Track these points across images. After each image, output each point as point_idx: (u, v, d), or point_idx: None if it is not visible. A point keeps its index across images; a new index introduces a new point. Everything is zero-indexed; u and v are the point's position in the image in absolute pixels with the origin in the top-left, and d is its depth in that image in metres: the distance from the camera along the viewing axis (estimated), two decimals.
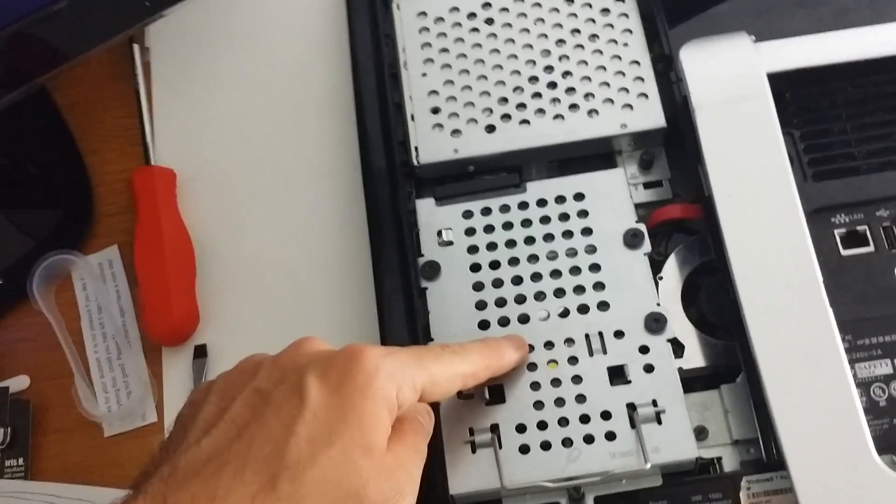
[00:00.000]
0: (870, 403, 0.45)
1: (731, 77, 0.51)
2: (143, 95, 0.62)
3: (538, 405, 0.46)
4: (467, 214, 0.52)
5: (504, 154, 0.53)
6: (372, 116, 0.56)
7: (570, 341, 0.48)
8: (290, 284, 0.57)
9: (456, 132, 0.54)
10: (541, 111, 0.54)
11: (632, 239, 0.50)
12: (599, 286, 0.49)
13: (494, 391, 0.47)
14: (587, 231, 0.51)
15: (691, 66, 0.52)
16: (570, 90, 0.54)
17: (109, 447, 0.55)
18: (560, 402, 0.46)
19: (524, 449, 0.45)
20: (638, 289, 0.49)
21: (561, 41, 0.56)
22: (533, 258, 0.50)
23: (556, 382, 0.47)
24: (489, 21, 0.57)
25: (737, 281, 0.47)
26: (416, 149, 0.54)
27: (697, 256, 0.51)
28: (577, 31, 0.56)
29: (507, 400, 0.47)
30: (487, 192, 0.53)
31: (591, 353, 0.48)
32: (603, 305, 0.49)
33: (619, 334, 0.48)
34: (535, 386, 0.47)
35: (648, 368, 0.47)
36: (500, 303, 0.49)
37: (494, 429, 0.46)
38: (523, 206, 0.52)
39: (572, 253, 0.50)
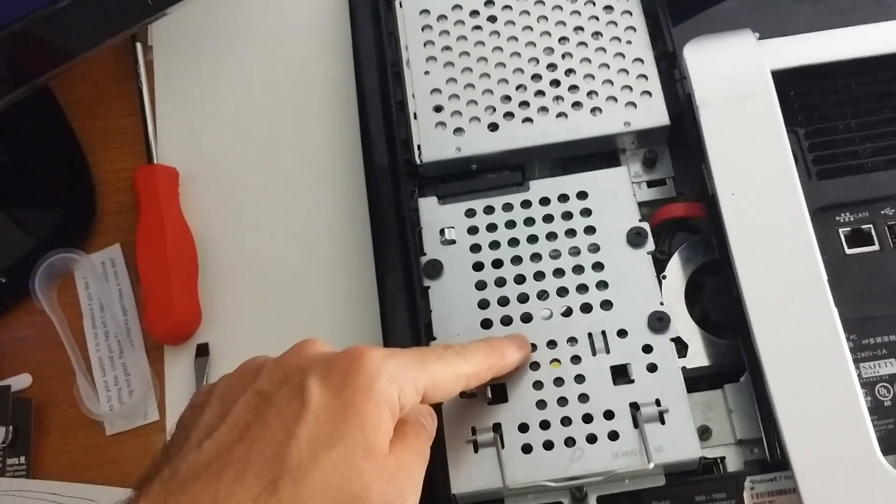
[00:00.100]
0: (874, 403, 0.45)
1: (735, 75, 0.51)
2: (145, 94, 0.62)
3: (541, 404, 0.46)
4: (470, 213, 0.52)
5: (507, 152, 0.53)
6: (374, 115, 0.56)
7: (573, 340, 0.48)
8: (292, 283, 0.57)
9: (459, 130, 0.54)
10: (544, 109, 0.54)
11: (635, 237, 0.50)
12: (602, 285, 0.49)
13: (497, 390, 0.47)
14: (590, 230, 0.51)
15: (695, 63, 0.51)
16: (573, 88, 0.54)
17: (111, 446, 0.55)
18: (563, 401, 0.46)
19: (527, 448, 0.45)
20: (641, 288, 0.49)
21: (564, 39, 0.56)
22: (536, 257, 0.50)
23: (558, 382, 0.47)
24: (492, 19, 0.57)
25: (741, 280, 0.46)
26: (419, 147, 0.54)
27: (701, 255, 0.51)
28: (580, 28, 0.56)
29: (510, 399, 0.47)
30: (490, 191, 0.53)
31: (594, 353, 0.48)
32: (606, 304, 0.49)
33: (622, 333, 0.48)
34: (538, 385, 0.47)
35: (652, 368, 0.47)
36: (503, 302, 0.49)
37: (497, 428, 0.46)
38: (526, 204, 0.52)
39: (575, 252, 0.50)
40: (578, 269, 0.50)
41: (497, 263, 0.50)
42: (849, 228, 0.49)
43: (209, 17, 0.65)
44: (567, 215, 0.51)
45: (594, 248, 0.50)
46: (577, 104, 0.54)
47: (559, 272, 0.50)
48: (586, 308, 0.49)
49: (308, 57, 0.63)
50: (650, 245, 0.50)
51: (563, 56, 0.55)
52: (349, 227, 0.57)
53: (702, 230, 0.52)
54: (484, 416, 0.46)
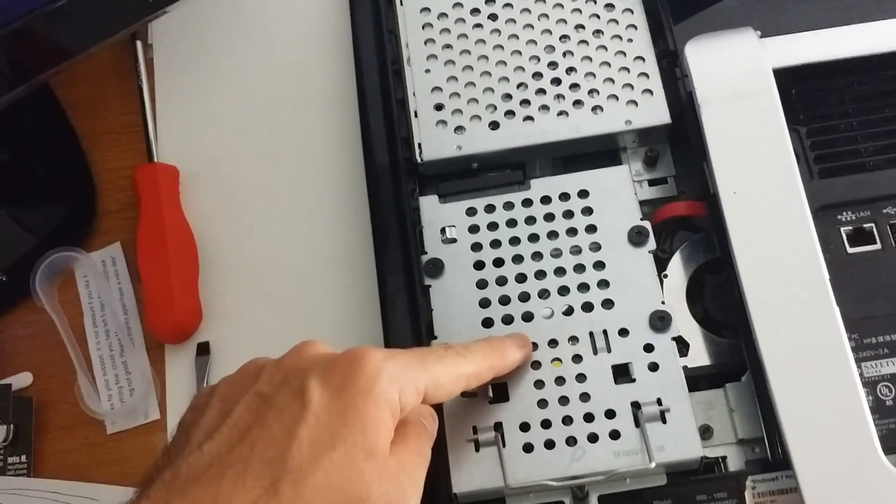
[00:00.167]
0: (876, 402, 0.45)
1: (737, 73, 0.51)
2: (145, 92, 0.62)
3: (542, 403, 0.46)
4: (471, 212, 0.52)
5: (508, 151, 0.53)
6: (375, 113, 0.56)
7: (574, 339, 0.48)
8: (292, 282, 0.57)
9: (459, 129, 0.54)
10: (545, 108, 0.54)
11: (636, 236, 0.50)
12: (604, 284, 0.49)
13: (498, 389, 0.47)
14: (591, 228, 0.51)
15: (697, 61, 0.51)
16: (575, 86, 0.54)
17: (112, 444, 0.55)
18: (564, 400, 0.46)
19: (528, 447, 0.45)
20: (642, 286, 0.49)
21: (565, 37, 0.56)
22: (537, 256, 0.50)
23: (560, 381, 0.47)
24: (493, 17, 0.57)
25: (742, 279, 0.46)
26: (420, 145, 0.54)
27: (702, 254, 0.51)
28: (582, 26, 0.56)
29: (511, 398, 0.47)
30: (491, 190, 0.53)
31: (595, 352, 0.48)
32: (607, 303, 0.49)
33: (623, 332, 0.48)
34: (539, 384, 0.47)
35: (653, 367, 0.47)
36: (504, 300, 0.49)
37: (498, 427, 0.46)
38: (527, 203, 0.52)
39: (576, 250, 0.50)
40: (580, 268, 0.50)
41: (498, 262, 0.50)
42: (850, 227, 0.49)
43: (209, 16, 0.65)
44: (568, 214, 0.51)
45: (595, 247, 0.50)
46: (578, 102, 0.54)
47: (560, 271, 0.50)
48: (587, 307, 0.49)
49: (308, 55, 0.63)
50: (651, 244, 0.50)
51: (564, 54, 0.55)
52: (350, 225, 0.57)
53: (703, 229, 0.51)
54: (485, 415, 0.46)
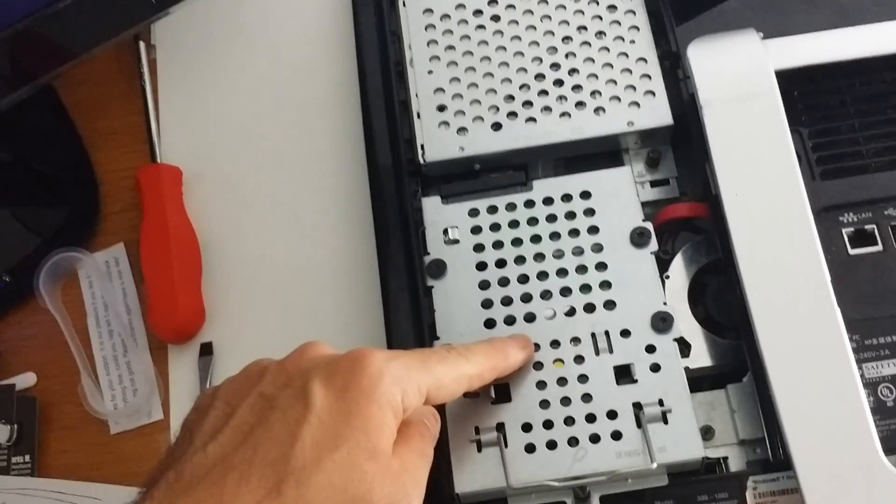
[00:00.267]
0: (877, 403, 0.45)
1: (739, 74, 0.51)
2: (148, 93, 0.62)
3: (544, 404, 0.46)
4: (473, 213, 0.52)
5: (510, 152, 0.53)
6: (378, 114, 0.56)
7: (576, 340, 0.48)
8: (295, 282, 0.57)
9: (462, 130, 0.54)
10: (547, 109, 0.54)
11: (638, 237, 0.50)
12: (606, 285, 0.49)
13: (500, 390, 0.47)
14: (593, 229, 0.51)
15: (699, 63, 0.51)
16: (577, 88, 0.54)
17: (115, 444, 0.55)
18: (566, 401, 0.46)
19: (530, 448, 0.45)
20: (644, 288, 0.49)
21: (567, 38, 0.56)
22: (539, 256, 0.50)
23: (562, 381, 0.47)
24: (495, 18, 0.57)
25: (744, 280, 0.46)
26: (422, 147, 0.54)
27: (704, 255, 0.51)
28: (584, 28, 0.56)
29: (513, 399, 0.47)
30: (493, 191, 0.53)
31: (597, 352, 0.48)
32: (609, 304, 0.49)
33: (625, 333, 0.48)
34: (541, 385, 0.47)
35: (655, 368, 0.47)
36: (506, 301, 0.49)
37: (500, 428, 0.46)
38: (529, 204, 0.52)
39: (578, 251, 0.50)
40: (582, 269, 0.50)
41: (500, 263, 0.50)
42: (852, 229, 0.49)
43: (212, 17, 0.65)
44: (570, 215, 0.51)
45: (597, 248, 0.50)
46: (580, 104, 0.54)
47: (562, 272, 0.50)
48: (589, 308, 0.49)
49: (311, 56, 0.63)
50: (653, 245, 0.50)
51: (567, 55, 0.55)
52: (352, 226, 0.58)
53: (705, 230, 0.52)
54: (487, 415, 0.46)
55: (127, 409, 0.55)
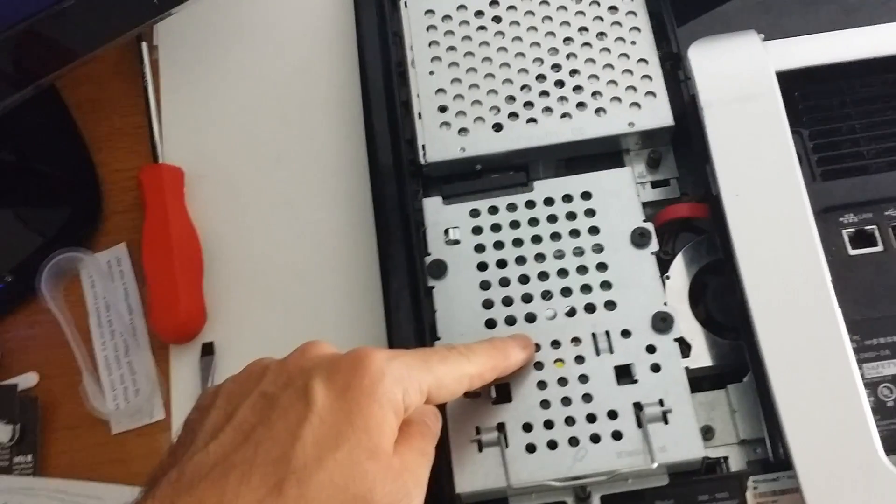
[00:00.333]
0: (877, 404, 0.45)
1: (740, 76, 0.51)
2: (151, 93, 0.62)
3: (545, 404, 0.46)
4: (474, 213, 0.52)
5: (511, 152, 0.53)
6: (379, 114, 0.56)
7: (576, 340, 0.48)
8: (297, 282, 0.57)
9: (463, 130, 0.54)
10: (548, 109, 0.54)
11: (639, 238, 0.50)
12: (606, 285, 0.49)
13: (501, 390, 0.47)
14: (594, 230, 0.51)
15: (700, 64, 0.51)
16: (578, 88, 0.54)
17: (117, 444, 0.55)
18: (566, 401, 0.46)
19: (530, 448, 0.46)
20: (645, 288, 0.49)
21: (568, 39, 0.56)
22: (540, 257, 0.50)
23: (562, 381, 0.47)
24: (496, 19, 0.57)
25: (744, 280, 0.46)
26: (424, 147, 0.54)
27: (705, 256, 0.51)
28: (585, 28, 0.56)
29: (514, 399, 0.47)
30: (494, 191, 0.53)
31: (597, 353, 0.48)
32: (610, 304, 0.49)
33: (625, 333, 0.48)
34: (542, 385, 0.47)
35: (655, 368, 0.47)
36: (507, 302, 0.49)
37: (501, 427, 0.46)
38: (530, 204, 0.52)
39: (579, 252, 0.50)
40: (582, 270, 0.50)
41: (501, 263, 0.50)
42: (852, 229, 0.49)
43: (214, 17, 0.65)
44: (571, 215, 0.51)
45: (598, 249, 0.50)
46: (581, 105, 0.54)
47: (563, 272, 0.50)
48: (590, 308, 0.49)
49: (313, 57, 0.63)
50: (654, 245, 0.50)
51: (568, 56, 0.55)
52: (354, 226, 0.58)
53: (705, 231, 0.52)
54: (488, 415, 0.46)
55: (129, 408, 0.55)
